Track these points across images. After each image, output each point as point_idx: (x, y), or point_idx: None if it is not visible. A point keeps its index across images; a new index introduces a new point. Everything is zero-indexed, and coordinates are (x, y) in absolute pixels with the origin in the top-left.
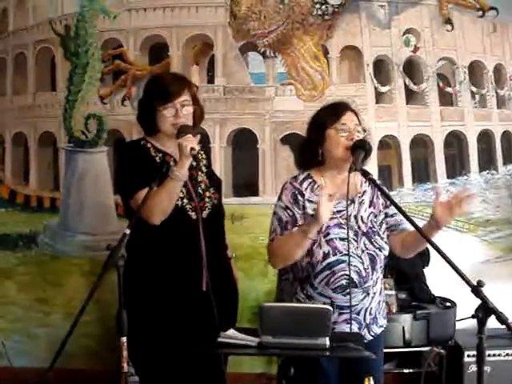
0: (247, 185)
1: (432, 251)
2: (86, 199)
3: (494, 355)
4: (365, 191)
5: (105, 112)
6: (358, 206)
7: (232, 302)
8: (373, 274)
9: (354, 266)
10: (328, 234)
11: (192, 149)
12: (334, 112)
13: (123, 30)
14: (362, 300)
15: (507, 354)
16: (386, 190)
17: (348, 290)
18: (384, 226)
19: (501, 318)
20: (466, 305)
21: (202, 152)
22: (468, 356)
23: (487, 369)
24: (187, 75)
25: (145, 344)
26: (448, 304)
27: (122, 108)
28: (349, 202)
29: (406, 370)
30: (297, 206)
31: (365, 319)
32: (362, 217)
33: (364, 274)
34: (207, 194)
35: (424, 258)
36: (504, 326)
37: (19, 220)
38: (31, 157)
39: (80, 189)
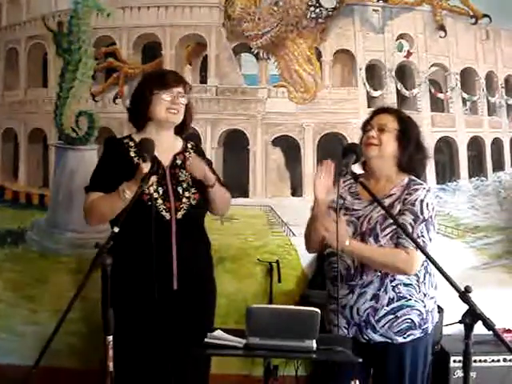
0: (237, 186)
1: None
2: (75, 197)
3: (480, 361)
4: (391, 195)
5: (96, 110)
6: (373, 207)
7: (207, 301)
8: (362, 275)
9: (345, 261)
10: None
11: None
12: (368, 116)
13: (116, 28)
14: (345, 295)
15: (493, 360)
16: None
17: (336, 282)
18: (390, 230)
19: (488, 324)
20: (453, 310)
21: (192, 150)
22: (454, 361)
23: (473, 374)
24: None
25: (120, 343)
26: None
27: (114, 106)
28: (367, 203)
29: None
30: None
31: (352, 317)
32: (370, 217)
33: (352, 271)
34: (186, 194)
35: None
36: (490, 332)
37: (7, 216)
38: (21, 153)
39: (69, 186)
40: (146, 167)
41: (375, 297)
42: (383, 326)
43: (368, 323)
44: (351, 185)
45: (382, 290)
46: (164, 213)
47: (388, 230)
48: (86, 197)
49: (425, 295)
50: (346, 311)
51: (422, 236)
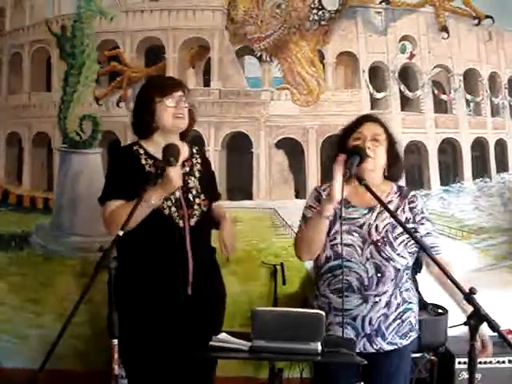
0: (241, 189)
1: None
2: (80, 200)
3: (485, 362)
4: (390, 201)
5: (100, 113)
6: (376, 215)
7: (217, 307)
8: (379, 284)
9: (356, 272)
10: (334, 238)
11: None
12: (354, 123)
13: (120, 32)
14: (357, 306)
15: (498, 362)
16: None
17: (345, 294)
18: (404, 238)
19: (493, 326)
20: (458, 312)
21: (198, 156)
22: (459, 363)
23: (478, 376)
24: (183, 78)
25: (133, 347)
26: (440, 311)
27: (117, 110)
28: (366, 211)
29: None
30: (319, 205)
31: (363, 328)
32: (377, 226)
33: (367, 282)
34: (197, 200)
35: (416, 265)
36: (495, 334)
37: (11, 220)
38: (25, 157)
39: (73, 190)
40: (173, 172)
41: (387, 304)
42: (391, 332)
43: (378, 331)
44: None
45: (394, 296)
46: (177, 220)
47: (401, 238)
48: (105, 207)
49: (414, 297)
50: (356, 322)
51: (437, 237)
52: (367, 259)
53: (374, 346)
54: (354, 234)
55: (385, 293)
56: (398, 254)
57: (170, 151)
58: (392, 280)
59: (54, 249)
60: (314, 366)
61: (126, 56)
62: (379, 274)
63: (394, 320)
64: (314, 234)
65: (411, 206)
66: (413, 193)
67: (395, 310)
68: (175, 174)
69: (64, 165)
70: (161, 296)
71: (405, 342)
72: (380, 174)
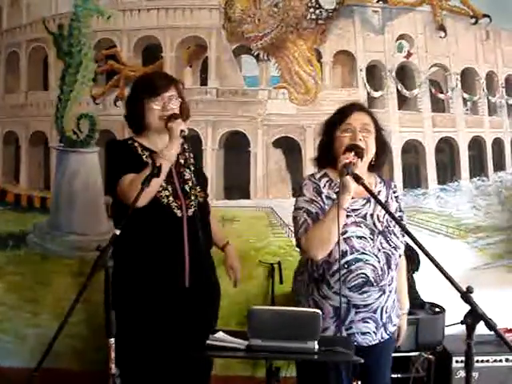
0: (238, 188)
1: (422, 256)
2: (77, 199)
3: (482, 361)
4: (379, 191)
5: (97, 112)
6: (373, 205)
7: (213, 300)
8: (388, 272)
9: (371, 264)
10: (346, 231)
11: (182, 131)
12: (341, 113)
13: (117, 31)
14: (377, 298)
15: (495, 360)
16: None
17: (364, 289)
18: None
19: (489, 325)
20: (455, 310)
21: (189, 151)
22: (456, 362)
23: (475, 374)
24: (180, 77)
25: (129, 343)
26: (437, 309)
27: (115, 108)
28: (364, 202)
29: (394, 375)
30: (320, 198)
31: (381, 318)
32: (378, 216)
33: (380, 272)
34: (193, 191)
35: (414, 264)
36: (492, 332)
37: (9, 219)
38: (22, 156)
39: (71, 189)
40: (176, 124)
41: (395, 290)
42: (394, 314)
43: (389, 317)
44: (331, 183)
45: (396, 281)
46: (176, 210)
47: (397, 227)
48: (120, 182)
49: None
50: (376, 314)
51: None
52: (378, 250)
53: (388, 332)
54: (362, 225)
55: (392, 279)
56: (402, 242)
57: (174, 115)
58: (395, 265)
59: (51, 248)
60: (298, 366)
61: (123, 55)
62: (390, 263)
63: (395, 302)
64: (334, 227)
65: (395, 195)
66: (393, 183)
67: (396, 293)
68: (178, 124)
69: (61, 164)
70: (158, 286)
71: (398, 320)
72: (367, 164)
